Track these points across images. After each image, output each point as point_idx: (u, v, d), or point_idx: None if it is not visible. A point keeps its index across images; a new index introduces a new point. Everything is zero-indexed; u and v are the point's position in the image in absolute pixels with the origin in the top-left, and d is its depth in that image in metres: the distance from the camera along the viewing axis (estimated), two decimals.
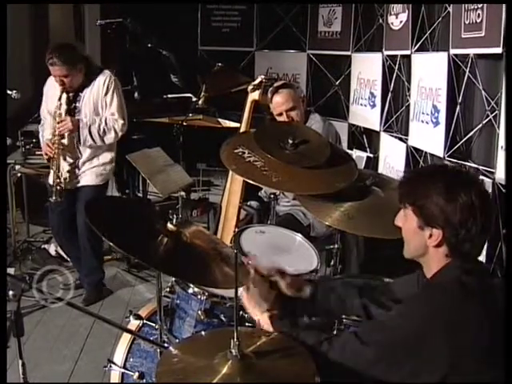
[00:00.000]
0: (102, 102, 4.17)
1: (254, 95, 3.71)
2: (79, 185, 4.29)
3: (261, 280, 2.14)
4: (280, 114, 3.79)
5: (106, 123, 4.13)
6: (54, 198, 4.16)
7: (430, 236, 1.80)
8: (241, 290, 2.09)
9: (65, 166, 4.21)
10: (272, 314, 2.02)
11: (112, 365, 2.62)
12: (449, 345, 1.65)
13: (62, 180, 4.18)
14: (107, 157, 4.33)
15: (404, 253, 1.94)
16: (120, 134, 4.19)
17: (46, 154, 4.18)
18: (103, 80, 4.16)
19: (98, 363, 3.24)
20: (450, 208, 1.76)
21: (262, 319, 2.02)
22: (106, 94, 4.15)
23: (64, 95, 4.10)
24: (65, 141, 4.15)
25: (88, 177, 4.29)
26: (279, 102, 3.76)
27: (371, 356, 1.73)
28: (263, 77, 3.73)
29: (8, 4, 4.22)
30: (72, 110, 4.16)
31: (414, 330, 1.69)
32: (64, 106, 4.09)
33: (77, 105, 4.17)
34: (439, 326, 1.67)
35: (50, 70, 4.04)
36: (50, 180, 4.25)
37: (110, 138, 4.17)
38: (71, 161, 4.25)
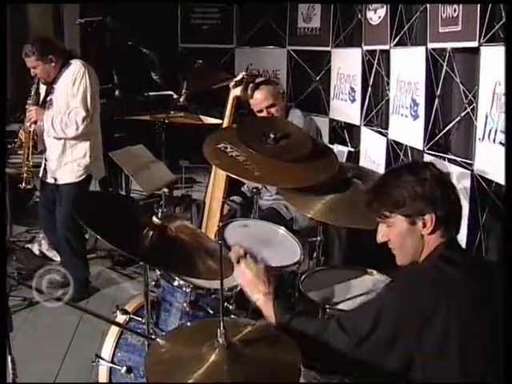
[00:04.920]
0: (70, 93, 4.12)
1: (236, 91, 3.73)
2: (58, 182, 4.29)
3: (254, 262, 2.20)
4: (260, 111, 3.83)
5: (68, 116, 4.09)
6: (23, 184, 4.19)
7: (424, 225, 1.86)
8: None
9: (33, 155, 4.25)
10: (268, 293, 2.09)
11: (100, 360, 2.64)
12: (416, 337, 1.72)
13: (31, 168, 4.21)
14: (80, 151, 4.25)
15: (401, 261, 1.97)
16: (82, 127, 4.09)
17: (20, 140, 4.23)
18: (72, 70, 4.12)
19: (84, 361, 3.24)
20: (428, 188, 1.85)
21: (260, 298, 2.09)
22: (74, 84, 4.10)
23: (43, 87, 4.18)
24: (32, 130, 4.19)
25: (64, 174, 4.27)
26: (259, 99, 3.81)
27: (348, 343, 1.81)
28: (245, 73, 3.76)
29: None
30: (47, 103, 4.19)
31: (388, 321, 1.76)
32: (34, 97, 4.17)
33: (51, 97, 4.19)
34: (413, 318, 1.74)
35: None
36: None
37: (71, 130, 4.11)
38: (40, 150, 4.30)
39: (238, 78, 3.73)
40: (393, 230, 1.93)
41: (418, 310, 1.74)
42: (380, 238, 1.98)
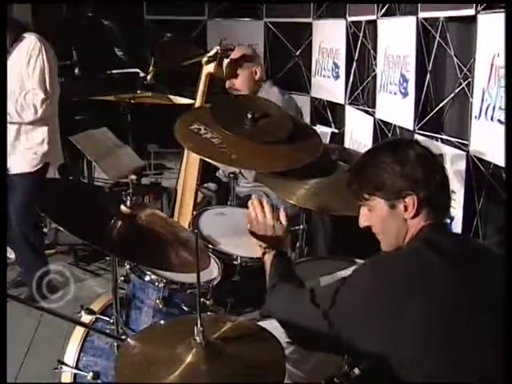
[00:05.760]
0: (25, 73, 4.04)
1: (209, 68, 3.73)
2: (10, 172, 4.21)
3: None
4: None
5: (24, 98, 4.02)
6: None
7: (406, 208, 1.87)
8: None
9: None
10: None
11: (63, 366, 2.62)
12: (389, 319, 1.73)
13: None
14: (37, 137, 4.19)
15: (385, 247, 1.99)
16: (40, 110, 4.03)
17: None
18: (26, 47, 4.03)
19: (45, 367, 3.22)
20: (409, 167, 1.87)
21: (268, 253, 2.28)
22: (29, 62, 4.01)
23: None
24: None
25: (17, 162, 4.20)
26: None
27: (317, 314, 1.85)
28: (219, 47, 3.75)
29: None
30: None
31: (363, 295, 1.78)
32: None
33: None
34: (381, 302, 1.75)
35: None
36: None
37: (28, 114, 4.05)
38: None
39: (211, 53, 3.72)
40: (374, 214, 1.95)
41: (387, 295, 1.74)
42: (362, 223, 2.01)
